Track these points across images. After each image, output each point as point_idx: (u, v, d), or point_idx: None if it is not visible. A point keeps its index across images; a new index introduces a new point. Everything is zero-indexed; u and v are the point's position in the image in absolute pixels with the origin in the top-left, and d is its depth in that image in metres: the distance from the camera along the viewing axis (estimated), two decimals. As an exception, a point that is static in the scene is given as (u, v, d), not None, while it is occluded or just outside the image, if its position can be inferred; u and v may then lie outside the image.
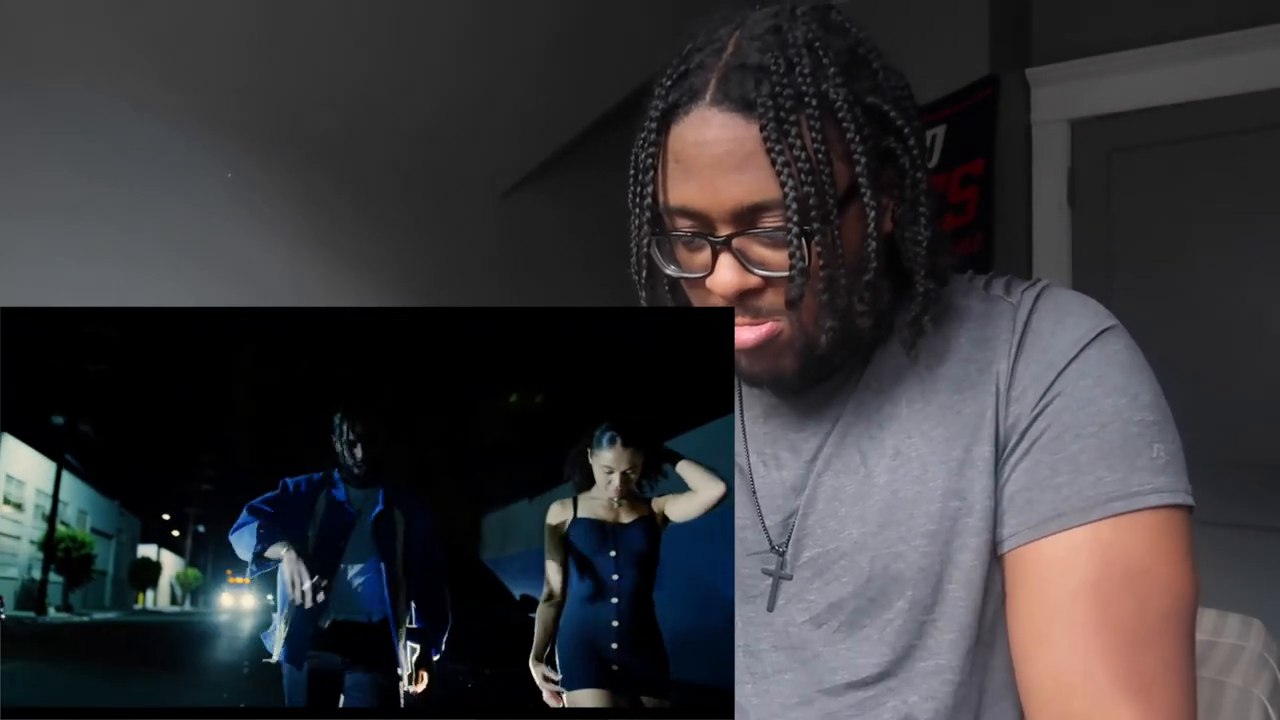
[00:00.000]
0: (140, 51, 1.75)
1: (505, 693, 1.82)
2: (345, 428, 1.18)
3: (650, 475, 1.15)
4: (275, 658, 1.13)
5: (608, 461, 1.12)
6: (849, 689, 0.79)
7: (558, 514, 1.15)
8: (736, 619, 0.85)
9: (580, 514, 1.14)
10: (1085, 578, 0.72)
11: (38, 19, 1.60)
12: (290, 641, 1.13)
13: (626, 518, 1.14)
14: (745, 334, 0.77)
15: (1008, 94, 2.61)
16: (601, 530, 1.13)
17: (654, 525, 1.16)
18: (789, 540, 0.82)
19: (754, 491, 0.85)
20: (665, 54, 0.76)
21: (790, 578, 0.82)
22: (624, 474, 1.12)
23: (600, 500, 1.14)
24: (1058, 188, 2.63)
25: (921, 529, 0.77)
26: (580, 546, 1.13)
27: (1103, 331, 0.76)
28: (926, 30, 2.56)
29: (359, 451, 1.17)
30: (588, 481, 1.14)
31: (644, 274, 0.78)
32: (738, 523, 0.85)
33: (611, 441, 1.11)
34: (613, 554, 1.13)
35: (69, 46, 1.66)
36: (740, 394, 0.89)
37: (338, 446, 1.18)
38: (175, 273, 1.83)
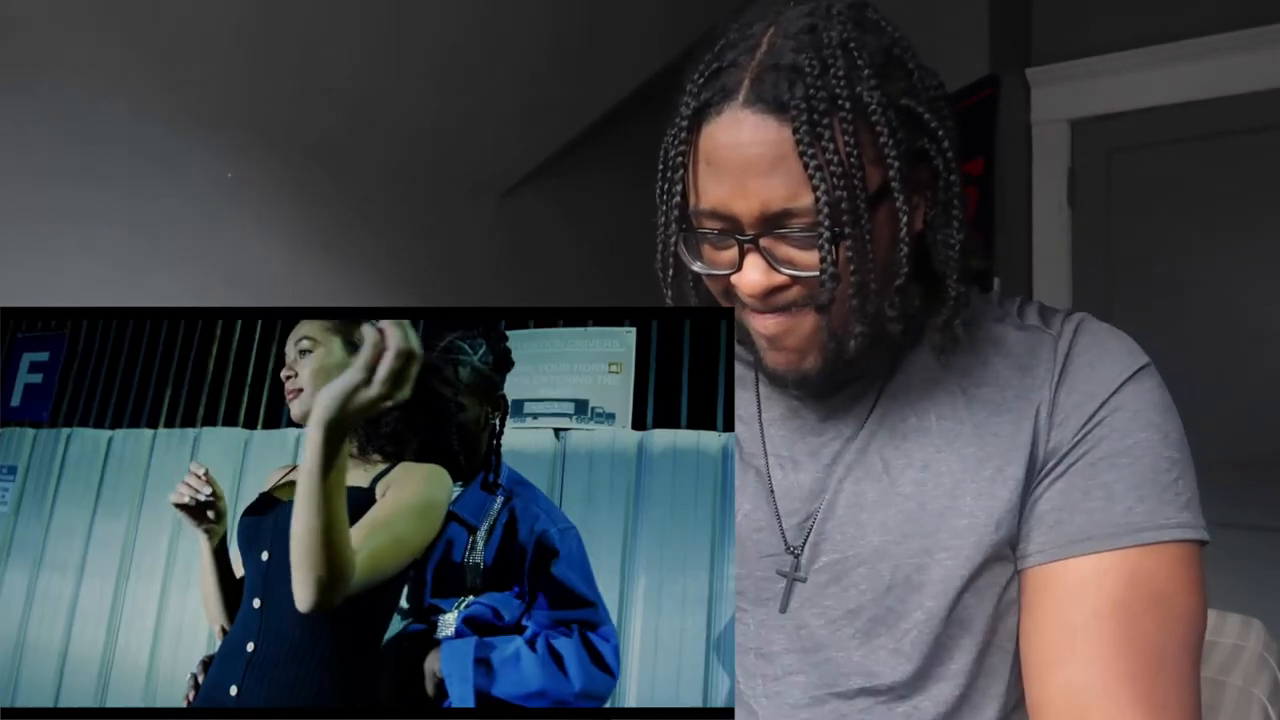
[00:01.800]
0: (139, 52, 1.75)
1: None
2: None
3: None
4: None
5: None
6: (861, 694, 0.79)
7: None
8: (749, 621, 0.84)
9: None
10: (1111, 598, 0.73)
11: (36, 19, 1.60)
12: None
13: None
14: (769, 322, 0.76)
15: (1008, 94, 2.60)
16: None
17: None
18: (804, 543, 0.82)
19: (771, 492, 0.84)
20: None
21: (804, 580, 0.81)
22: None
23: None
24: (1058, 188, 2.63)
25: (946, 543, 0.77)
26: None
27: (1140, 369, 0.78)
28: (927, 30, 2.54)
29: None
30: None
31: (670, 271, 0.78)
32: (753, 524, 0.84)
33: None
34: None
35: (68, 47, 1.65)
36: (759, 395, 0.88)
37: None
38: (174, 273, 1.83)
